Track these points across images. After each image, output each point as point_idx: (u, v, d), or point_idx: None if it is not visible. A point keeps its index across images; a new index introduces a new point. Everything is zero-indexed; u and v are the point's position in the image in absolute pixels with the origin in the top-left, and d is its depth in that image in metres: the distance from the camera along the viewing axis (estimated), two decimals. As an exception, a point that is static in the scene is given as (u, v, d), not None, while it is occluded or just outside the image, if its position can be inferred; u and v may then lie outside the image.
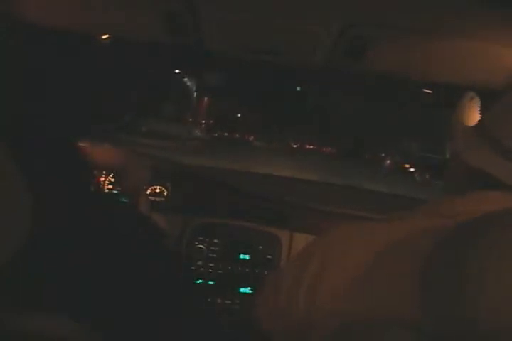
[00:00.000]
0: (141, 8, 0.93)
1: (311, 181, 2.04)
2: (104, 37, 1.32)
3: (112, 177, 1.54)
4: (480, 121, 0.67)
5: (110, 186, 1.54)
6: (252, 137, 17.53)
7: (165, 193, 1.57)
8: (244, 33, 0.98)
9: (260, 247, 1.51)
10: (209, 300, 1.42)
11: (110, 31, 1.16)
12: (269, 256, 1.50)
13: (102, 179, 1.53)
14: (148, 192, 1.55)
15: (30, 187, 0.41)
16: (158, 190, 1.56)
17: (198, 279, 1.45)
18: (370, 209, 1.49)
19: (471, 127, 0.67)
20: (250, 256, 1.50)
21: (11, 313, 0.45)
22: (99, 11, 0.99)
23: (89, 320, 0.48)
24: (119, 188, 1.50)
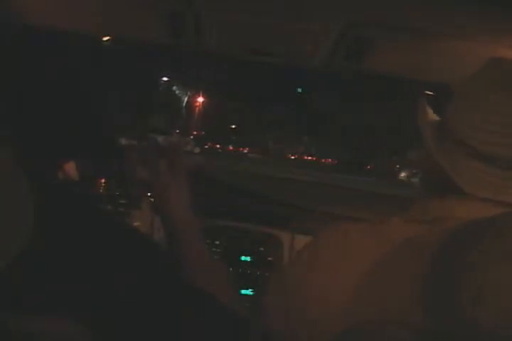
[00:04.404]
0: (142, 9, 0.94)
1: (312, 183, 2.05)
2: (105, 39, 1.33)
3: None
4: (443, 120, 0.67)
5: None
6: (247, 149, 17.12)
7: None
8: (244, 34, 0.99)
9: (261, 249, 1.52)
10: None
11: (111, 32, 1.17)
12: (270, 258, 1.51)
13: (104, 181, 1.54)
14: (149, 194, 1.55)
15: (32, 188, 0.42)
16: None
17: None
18: (373, 211, 1.49)
19: (437, 127, 0.67)
20: (251, 258, 1.51)
21: (12, 314, 0.46)
22: (99, 12, 0.99)
23: (89, 320, 0.48)
24: (119, 190, 1.51)
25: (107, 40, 1.35)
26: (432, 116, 0.72)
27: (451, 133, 0.62)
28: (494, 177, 0.57)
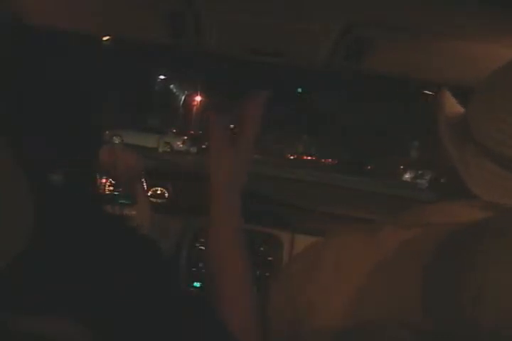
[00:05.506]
0: (142, 9, 0.94)
1: (313, 183, 2.04)
2: (105, 39, 1.33)
3: (113, 179, 1.54)
4: (463, 117, 0.63)
5: (111, 188, 1.54)
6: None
7: (166, 195, 1.57)
8: (244, 34, 0.99)
9: (262, 249, 1.52)
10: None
11: (111, 32, 1.17)
12: (270, 258, 1.51)
13: (104, 181, 1.54)
14: (149, 194, 1.55)
15: (32, 188, 0.42)
16: (159, 192, 1.57)
17: (199, 281, 1.45)
18: (373, 211, 1.49)
19: (456, 123, 0.62)
20: (252, 258, 1.50)
21: (12, 314, 0.45)
22: (99, 12, 0.99)
23: (89, 320, 0.48)
24: (119, 190, 1.51)
25: (107, 40, 1.35)
26: (456, 109, 0.67)
27: (469, 131, 0.58)
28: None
